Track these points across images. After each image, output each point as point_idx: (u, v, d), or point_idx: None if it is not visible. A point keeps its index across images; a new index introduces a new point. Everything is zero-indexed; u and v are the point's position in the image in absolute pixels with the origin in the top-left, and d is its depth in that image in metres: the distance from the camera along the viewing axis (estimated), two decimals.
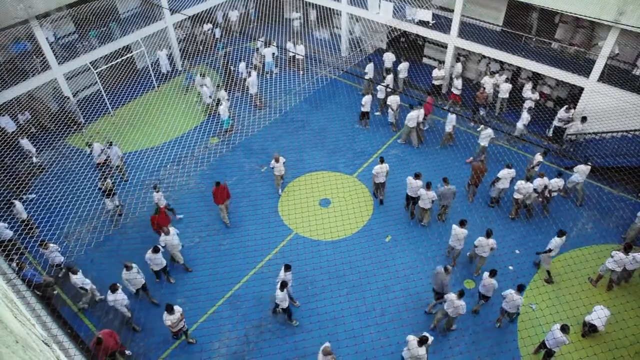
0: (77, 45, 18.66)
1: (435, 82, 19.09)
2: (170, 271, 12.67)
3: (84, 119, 18.61)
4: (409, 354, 9.53)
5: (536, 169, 14.39)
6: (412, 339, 9.52)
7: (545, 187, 13.52)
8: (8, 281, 8.48)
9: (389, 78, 18.80)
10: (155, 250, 11.66)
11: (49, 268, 12.48)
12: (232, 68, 21.07)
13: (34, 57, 17.07)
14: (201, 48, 23.33)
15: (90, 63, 18.03)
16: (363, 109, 17.69)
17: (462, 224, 11.89)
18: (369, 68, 19.16)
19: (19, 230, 13.13)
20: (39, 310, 8.46)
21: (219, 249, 13.45)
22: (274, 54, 21.24)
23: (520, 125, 16.38)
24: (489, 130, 15.27)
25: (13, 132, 16.82)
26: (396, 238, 13.71)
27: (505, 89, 17.93)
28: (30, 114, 17.90)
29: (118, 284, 10.76)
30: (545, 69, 16.41)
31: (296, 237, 13.82)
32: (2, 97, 16.00)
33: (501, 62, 18.80)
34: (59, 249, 12.47)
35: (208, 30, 23.62)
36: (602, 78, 15.50)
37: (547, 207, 14.17)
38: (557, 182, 13.69)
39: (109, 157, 15.58)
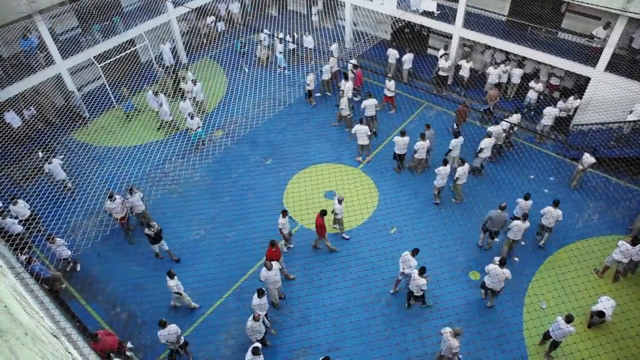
0: (81, 40, 18.66)
1: (442, 73, 18.99)
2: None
3: (88, 113, 18.66)
4: (490, 280, 10.87)
5: (588, 169, 14.29)
6: (492, 267, 10.81)
7: (512, 126, 15.57)
8: (17, 275, 8.56)
9: (332, 60, 19.31)
10: (261, 293, 10.36)
11: (57, 262, 12.59)
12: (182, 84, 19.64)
13: (38, 52, 17.10)
14: (205, 41, 23.26)
15: (94, 57, 18.04)
16: (308, 88, 18.49)
17: (444, 162, 13.74)
18: (334, 47, 20.32)
19: (26, 225, 13.20)
20: (47, 304, 8.55)
21: (225, 242, 13.51)
22: (281, 52, 21.07)
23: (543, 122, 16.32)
24: (363, 128, 15.31)
25: (18, 127, 16.90)
26: (401, 230, 13.70)
27: (517, 74, 17.97)
28: (36, 109, 17.95)
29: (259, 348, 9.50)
30: (552, 59, 16.26)
31: (301, 230, 13.85)
32: (7, 92, 16.05)
33: (506, 53, 18.63)
34: (66, 243, 12.56)
35: (211, 23, 23.55)
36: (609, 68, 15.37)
37: (511, 143, 16.39)
38: (517, 117, 15.58)
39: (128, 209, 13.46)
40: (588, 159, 14.10)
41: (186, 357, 10.65)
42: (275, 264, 11.07)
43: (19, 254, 11.40)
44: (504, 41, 17.15)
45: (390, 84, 17.62)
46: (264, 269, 10.96)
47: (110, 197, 12.78)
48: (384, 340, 10.89)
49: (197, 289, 12.22)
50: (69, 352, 4.79)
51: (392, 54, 19.51)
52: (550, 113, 15.70)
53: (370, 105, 16.48)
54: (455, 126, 16.70)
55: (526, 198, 12.63)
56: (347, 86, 17.32)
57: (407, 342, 10.87)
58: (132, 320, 11.65)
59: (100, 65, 17.98)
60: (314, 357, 10.70)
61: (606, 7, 14.40)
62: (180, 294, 11.33)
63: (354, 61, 19.10)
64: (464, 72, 18.42)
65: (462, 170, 13.72)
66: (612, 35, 14.89)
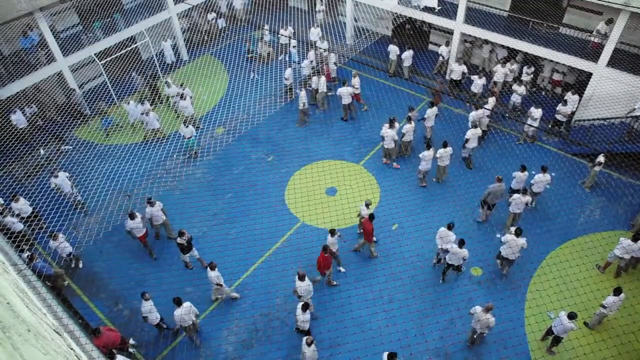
0: (82, 37, 18.64)
1: (454, 77, 18.35)
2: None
3: (90, 110, 18.66)
4: (507, 246, 11.45)
5: (597, 168, 14.05)
6: (510, 237, 11.42)
7: (492, 109, 15.99)
8: (19, 272, 8.59)
9: (311, 54, 19.29)
10: (305, 307, 10.20)
11: (59, 259, 12.60)
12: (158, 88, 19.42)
13: (39, 49, 17.08)
14: (206, 38, 23.21)
15: (95, 54, 18.02)
16: (286, 83, 18.40)
17: (428, 147, 14.27)
18: (324, 45, 20.27)
19: (27, 222, 13.23)
20: (49, 300, 8.56)
21: (226, 239, 13.51)
22: (295, 46, 21.02)
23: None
24: (392, 133, 15.23)
25: (23, 128, 16.85)
26: (403, 226, 13.70)
27: (527, 72, 17.80)
28: (37, 107, 17.94)
29: None
30: (554, 54, 16.20)
31: (303, 226, 13.86)
32: (9, 90, 16.06)
33: (509, 50, 18.50)
34: (67, 239, 12.56)
35: (212, 19, 23.49)
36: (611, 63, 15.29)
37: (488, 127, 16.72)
38: (493, 100, 16.27)
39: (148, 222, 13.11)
40: (599, 157, 13.96)
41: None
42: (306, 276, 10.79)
43: (21, 252, 11.43)
44: (506, 36, 17.08)
45: (355, 81, 17.50)
46: (297, 281, 10.63)
47: (132, 216, 12.24)
48: (385, 336, 10.91)
49: (199, 285, 12.27)
50: (72, 349, 4.80)
51: (393, 50, 19.45)
52: (538, 116, 15.45)
53: (345, 92, 16.90)
54: (431, 104, 16.92)
55: (522, 170, 13.25)
56: (320, 82, 17.54)
57: (409, 338, 10.89)
58: (134, 317, 11.67)
59: (102, 62, 17.96)
60: (315, 353, 10.73)
61: (608, 2, 14.33)
62: (221, 286, 11.34)
63: (333, 55, 19.35)
64: (476, 89, 17.78)
65: (445, 152, 14.22)
66: (614, 30, 14.82)
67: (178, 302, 10.19)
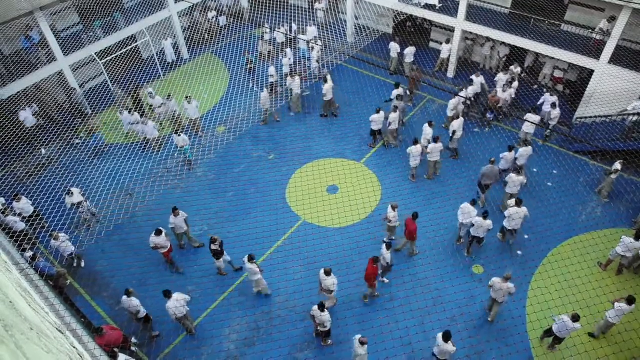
0: (82, 37, 18.63)
1: (471, 91, 17.55)
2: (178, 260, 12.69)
3: (91, 109, 18.66)
4: (512, 218, 12.02)
5: (613, 176, 13.76)
6: (512, 209, 11.94)
7: (469, 100, 16.52)
8: (21, 271, 8.60)
9: (289, 51, 19.31)
10: (322, 307, 10.06)
11: (61, 258, 12.62)
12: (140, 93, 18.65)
13: (40, 48, 17.09)
14: (206, 36, 23.19)
15: (95, 54, 18.02)
16: (271, 80, 18.31)
17: (415, 142, 14.37)
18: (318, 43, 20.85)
19: (30, 221, 13.24)
20: (52, 299, 8.58)
21: (228, 237, 13.51)
22: (307, 43, 20.96)
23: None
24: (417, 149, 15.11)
25: (32, 126, 16.83)
26: (404, 224, 13.67)
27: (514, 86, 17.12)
28: (38, 106, 17.94)
29: None
30: (555, 51, 16.15)
31: (304, 225, 13.86)
32: (10, 89, 16.06)
33: (511, 48, 18.38)
34: (69, 239, 12.58)
35: (212, 18, 23.46)
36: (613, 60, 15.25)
37: (468, 115, 17.24)
38: (474, 89, 16.78)
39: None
40: (616, 164, 13.78)
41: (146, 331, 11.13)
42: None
43: (23, 251, 11.44)
44: (507, 34, 17.03)
45: (330, 80, 17.40)
46: (324, 275, 10.70)
47: (158, 232, 11.89)
48: (387, 334, 10.92)
49: (200, 284, 12.29)
50: (74, 347, 4.82)
51: (394, 47, 19.42)
52: (531, 119, 15.04)
53: (328, 88, 17.09)
54: (408, 92, 17.76)
55: (510, 150, 13.86)
56: (295, 83, 17.57)
57: (411, 336, 10.90)
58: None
59: (102, 61, 17.96)
60: (317, 350, 10.76)
61: None
62: (257, 279, 11.38)
63: (317, 50, 19.45)
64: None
65: (436, 148, 14.32)
66: (616, 27, 14.77)
67: (167, 295, 10.25)
